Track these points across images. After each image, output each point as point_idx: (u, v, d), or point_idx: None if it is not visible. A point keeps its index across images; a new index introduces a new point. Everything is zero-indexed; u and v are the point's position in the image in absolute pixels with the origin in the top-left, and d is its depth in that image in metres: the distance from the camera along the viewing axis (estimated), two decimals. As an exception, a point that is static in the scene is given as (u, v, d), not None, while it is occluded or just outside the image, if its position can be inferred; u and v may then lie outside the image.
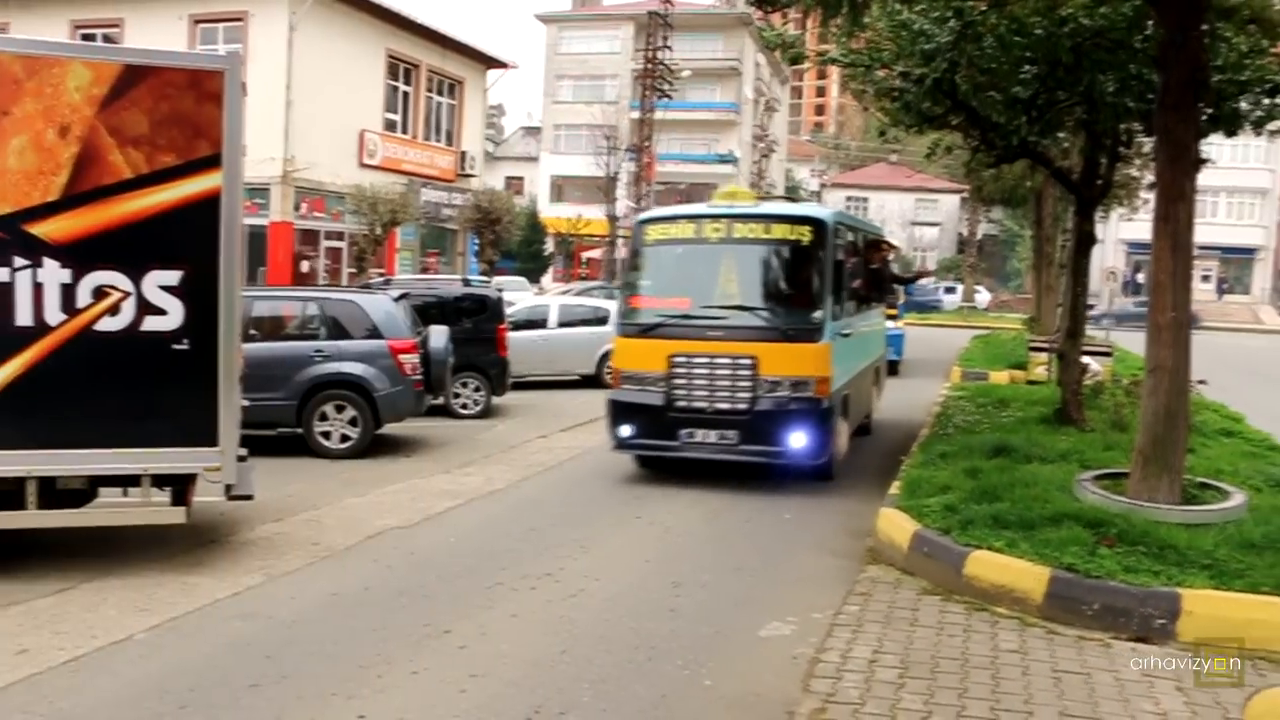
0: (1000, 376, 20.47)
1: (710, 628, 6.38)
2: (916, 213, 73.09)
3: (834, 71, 53.94)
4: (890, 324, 18.68)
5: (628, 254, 12.54)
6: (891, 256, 18.74)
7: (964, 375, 20.97)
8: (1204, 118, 9.73)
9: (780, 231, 10.60)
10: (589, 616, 6.57)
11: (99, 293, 7.01)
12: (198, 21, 27.43)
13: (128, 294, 7.05)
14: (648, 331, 10.48)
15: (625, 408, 10.55)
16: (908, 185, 68.76)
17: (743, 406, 10.05)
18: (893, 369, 20.05)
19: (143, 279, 7.07)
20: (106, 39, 26.59)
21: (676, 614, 6.65)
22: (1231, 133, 11.20)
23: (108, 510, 7.56)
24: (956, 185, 59.42)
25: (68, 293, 6.96)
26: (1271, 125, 11.49)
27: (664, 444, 10.39)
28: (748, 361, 10.01)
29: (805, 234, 10.46)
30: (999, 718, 5.10)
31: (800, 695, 5.37)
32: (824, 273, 10.29)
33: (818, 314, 10.15)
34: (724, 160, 59.38)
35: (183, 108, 7.15)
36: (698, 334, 10.22)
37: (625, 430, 10.56)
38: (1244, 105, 10.93)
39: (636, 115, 46.46)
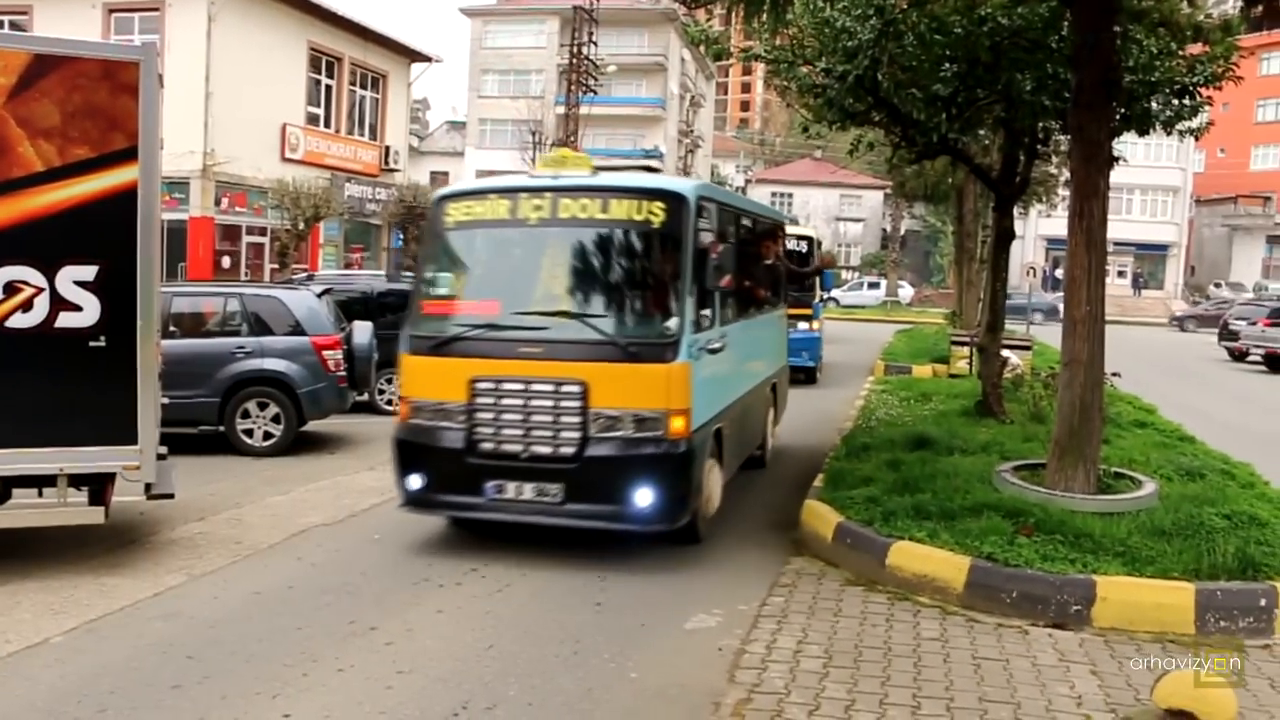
0: (923, 370, 20.79)
1: (636, 621, 6.41)
2: (841, 208, 73.85)
3: (758, 68, 54.12)
4: (803, 326, 17.98)
5: (422, 243, 10.36)
6: (801, 249, 18.42)
7: (887, 369, 21.25)
8: (1117, 117, 9.98)
9: (622, 210, 7.82)
10: (515, 611, 6.57)
11: (9, 288, 6.82)
12: (112, 11, 26.78)
13: (40, 290, 6.87)
14: (443, 347, 7.80)
15: (413, 450, 7.87)
16: (832, 181, 69.56)
17: (568, 451, 7.45)
18: (809, 377, 19.28)
19: (56, 274, 6.90)
20: (14, 26, 25.85)
21: (603, 608, 6.67)
22: (1143, 132, 11.48)
23: (22, 511, 7.37)
24: (880, 181, 60.28)
25: (-22, 289, 6.88)
26: (1181, 125, 11.81)
27: (464, 500, 7.77)
28: (575, 389, 7.37)
29: (657, 214, 7.78)
30: (921, 705, 5.20)
31: (726, 686, 5.43)
32: (682, 267, 7.63)
33: (672, 323, 7.50)
34: (649, 156, 59.43)
35: (96, 99, 6.99)
36: (509, 351, 7.60)
37: (414, 481, 7.86)
38: (1154, 105, 11.21)
39: (562, 110, 46.34)
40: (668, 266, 7.77)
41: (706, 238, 7.88)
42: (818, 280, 19.43)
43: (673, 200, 7.84)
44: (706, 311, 8.02)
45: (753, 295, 10.46)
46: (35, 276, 6.86)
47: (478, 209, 8.25)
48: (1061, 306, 8.68)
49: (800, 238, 19.31)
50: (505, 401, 7.54)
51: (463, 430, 7.63)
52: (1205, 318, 48.35)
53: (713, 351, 8.09)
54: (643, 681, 5.50)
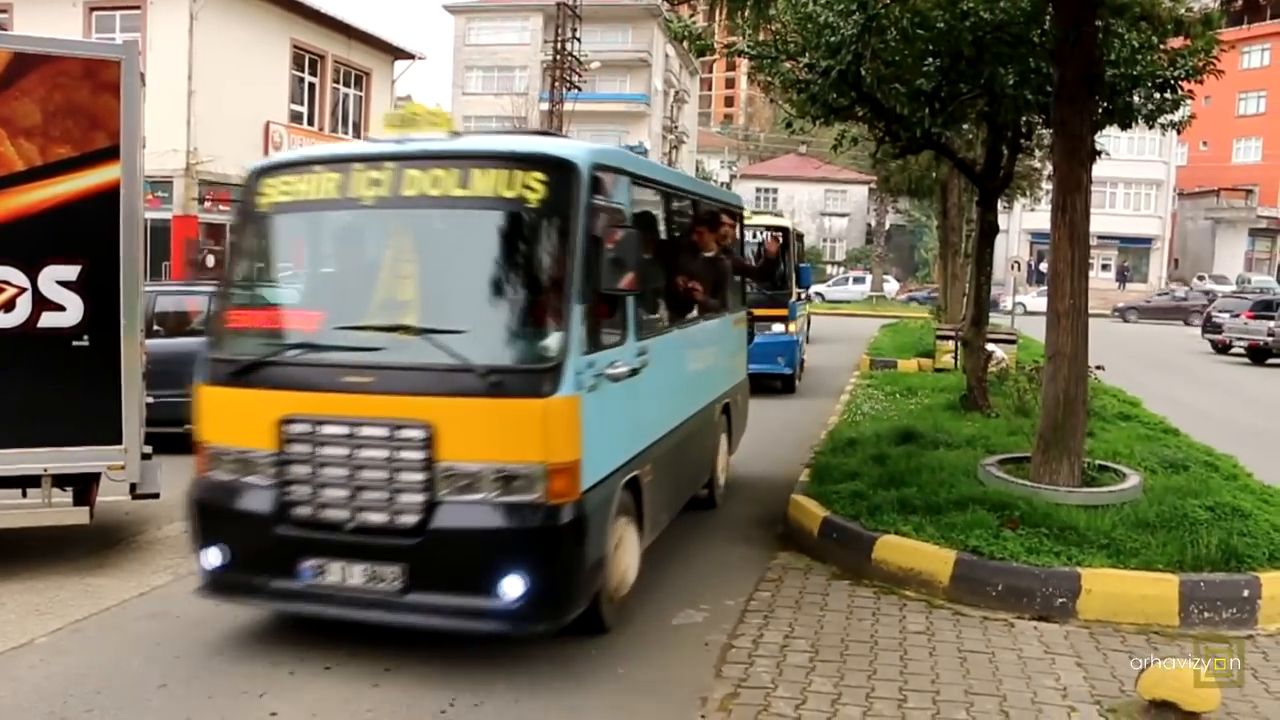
0: (908, 365, 20.84)
1: (623, 615, 6.41)
2: (826, 203, 74.02)
3: (742, 63, 54.37)
4: (777, 328, 16.16)
5: (231, 233, 7.99)
6: (775, 241, 16.07)
7: (873, 364, 21.29)
8: (1099, 111, 10.02)
9: (487, 184, 5.64)
10: (503, 609, 6.56)
11: (-7, 289, 6.92)
12: (93, 9, 26.63)
13: (23, 289, 6.85)
14: (246, 374, 5.72)
15: (211, 513, 5.79)
16: (816, 176, 69.75)
17: (408, 520, 5.33)
18: (786, 385, 17.24)
19: (39, 274, 6.87)
20: (-4, 26, 25.70)
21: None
22: (1125, 126, 11.52)
23: (6, 512, 7.34)
24: (864, 176, 60.39)
25: (-39, 289, 6.92)
26: (1163, 119, 11.85)
27: (275, 586, 5.59)
28: (417, 434, 5.27)
29: (534, 189, 5.57)
30: (907, 698, 5.22)
31: (713, 681, 5.44)
32: (569, 262, 5.48)
33: (551, 341, 5.37)
34: (634, 151, 59.41)
35: (78, 98, 6.97)
36: (331, 380, 5.49)
37: (212, 556, 5.72)
38: (1137, 99, 11.24)
39: (546, 107, 46.29)
40: (547, 262, 5.62)
41: (606, 222, 5.59)
42: (794, 277, 17.26)
43: (555, 170, 5.61)
44: (612, 323, 5.95)
45: (692, 298, 8.23)
46: (17, 276, 6.84)
47: (301, 186, 5.99)
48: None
49: (773, 229, 17.55)
50: (326, 451, 5.42)
51: (271, 489, 5.54)
52: (1147, 309, 48.72)
53: (620, 376, 5.86)
54: (630, 677, 5.51)
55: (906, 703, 5.16)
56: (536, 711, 5.05)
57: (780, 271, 16.31)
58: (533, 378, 5.27)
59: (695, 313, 8.31)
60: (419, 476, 5.27)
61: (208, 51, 26.30)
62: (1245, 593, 6.42)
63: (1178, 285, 56.96)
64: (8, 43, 7.14)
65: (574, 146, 6.01)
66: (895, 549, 7.12)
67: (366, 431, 5.34)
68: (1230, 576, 6.50)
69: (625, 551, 6.22)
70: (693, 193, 9.03)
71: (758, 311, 12.63)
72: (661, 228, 7.95)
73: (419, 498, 5.28)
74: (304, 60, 31.34)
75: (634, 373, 6.13)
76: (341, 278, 6.39)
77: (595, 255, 5.52)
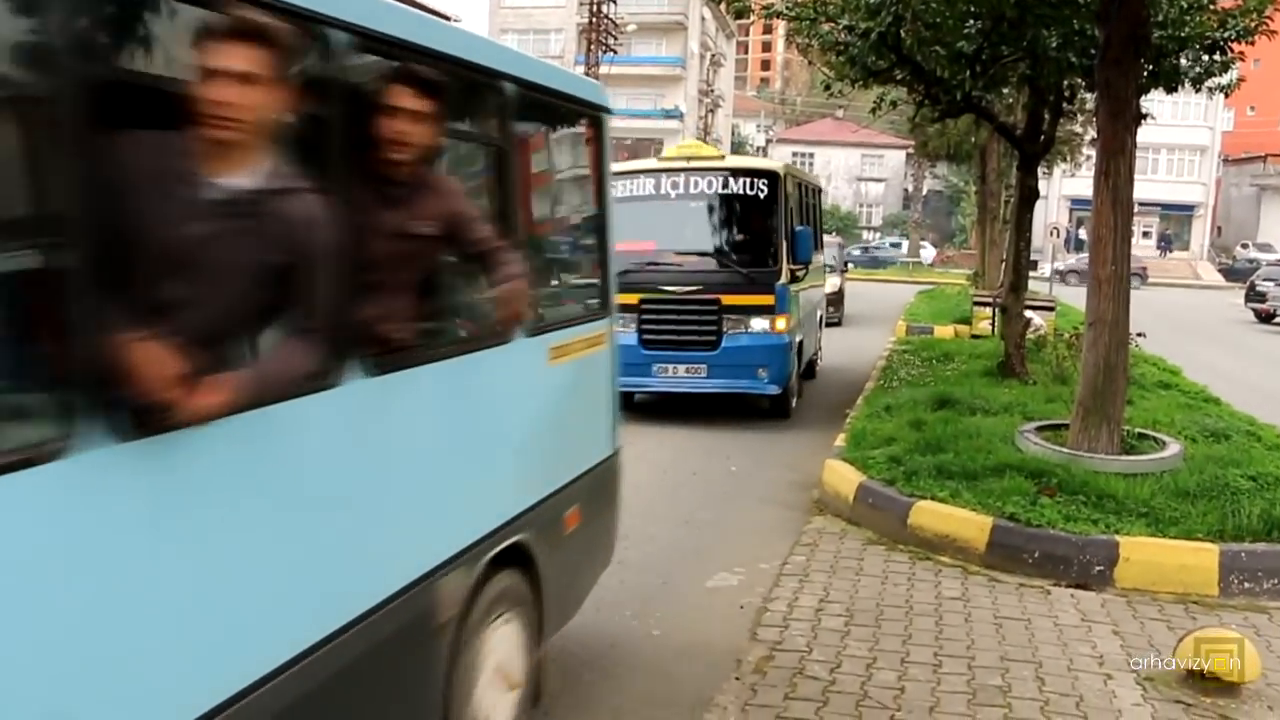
0: (945, 331, 20.70)
1: (658, 579, 6.44)
2: (863, 168, 73.50)
3: (779, 26, 53.74)
4: (758, 325, 11.19)
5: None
6: (754, 194, 11.61)
7: (909, 330, 21.15)
8: (1144, 74, 9.84)
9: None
10: (539, 570, 6.59)
11: None
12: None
13: None
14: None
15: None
16: (854, 141, 69.20)
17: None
18: (776, 408, 11.81)
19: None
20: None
21: (625, 565, 6.67)
22: (1171, 89, 11.31)
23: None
24: (902, 141, 59.82)
25: None
26: (1210, 82, 11.64)
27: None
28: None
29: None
30: (942, 663, 5.21)
31: (748, 644, 5.45)
32: None
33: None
34: (670, 116, 59.13)
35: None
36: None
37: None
38: (1184, 62, 11.05)
39: (582, 70, 46.08)
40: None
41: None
42: (783, 246, 11.43)
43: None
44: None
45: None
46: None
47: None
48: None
49: (753, 175, 11.78)
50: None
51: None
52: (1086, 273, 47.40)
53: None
54: (665, 639, 5.54)
55: (941, 668, 5.15)
56: (571, 671, 5.07)
57: (771, 239, 11.42)
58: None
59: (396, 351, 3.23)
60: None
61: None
62: (1287, 563, 6.35)
63: (1244, 251, 55.60)
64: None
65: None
66: (931, 514, 7.09)
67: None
68: (1272, 547, 6.42)
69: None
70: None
71: (729, 299, 11.03)
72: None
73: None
74: (340, 23, 31.32)
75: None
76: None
77: None
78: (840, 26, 10.94)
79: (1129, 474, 7.51)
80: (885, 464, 8.03)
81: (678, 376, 11.26)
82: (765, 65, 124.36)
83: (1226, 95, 12.49)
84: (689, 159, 12.08)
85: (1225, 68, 11.32)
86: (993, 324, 18.13)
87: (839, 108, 62.49)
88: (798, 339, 12.07)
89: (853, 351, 17.79)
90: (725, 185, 11.63)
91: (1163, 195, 59.03)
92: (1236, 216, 66.14)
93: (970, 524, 6.86)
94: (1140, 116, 8.43)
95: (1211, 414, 10.42)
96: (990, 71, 11.29)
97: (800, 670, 5.10)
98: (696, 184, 11.58)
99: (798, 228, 11.87)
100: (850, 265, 28.80)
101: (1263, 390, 14.78)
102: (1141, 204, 50.95)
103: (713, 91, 66.54)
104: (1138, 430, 8.71)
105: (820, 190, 17.10)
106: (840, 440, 9.36)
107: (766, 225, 11.54)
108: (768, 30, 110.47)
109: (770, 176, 11.66)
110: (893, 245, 59.53)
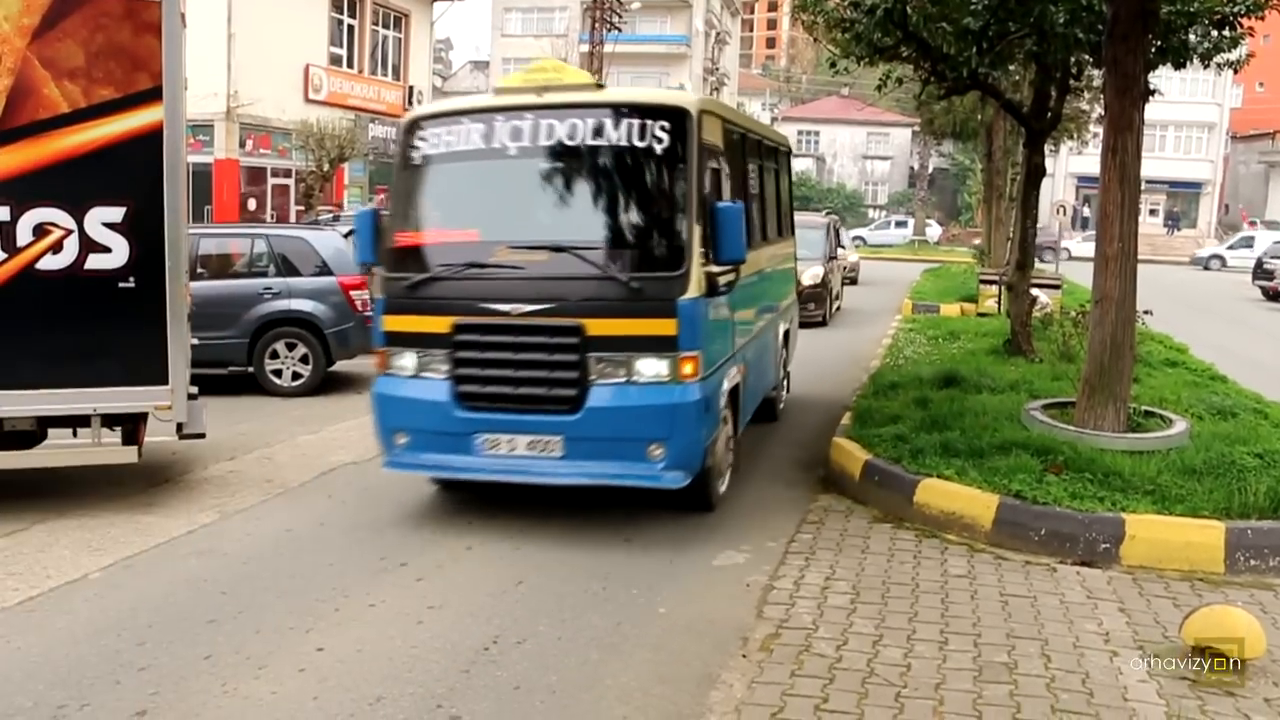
0: (951, 309, 20.66)
1: (664, 557, 6.45)
2: (868, 146, 73.16)
3: (784, 2, 53.41)
4: (647, 370, 6.71)
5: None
6: (646, 147, 6.96)
7: (915, 308, 21.11)
8: (1152, 50, 9.78)
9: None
10: (544, 548, 6.61)
11: (39, 230, 6.86)
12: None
13: (70, 231, 6.90)
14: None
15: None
16: (859, 119, 68.71)
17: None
18: (693, 499, 7.27)
19: (85, 216, 6.92)
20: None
21: (631, 544, 6.72)
22: (1180, 65, 11.25)
23: (58, 451, 7.47)
24: (908, 118, 59.52)
25: (7, 231, 6.80)
26: (1219, 58, 11.56)
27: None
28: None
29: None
30: (948, 640, 5.22)
31: (754, 621, 5.46)
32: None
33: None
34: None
35: (120, 39, 6.97)
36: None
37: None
38: (1192, 37, 10.97)
39: (586, 48, 45.86)
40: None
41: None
42: (694, 235, 6.72)
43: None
44: None
45: None
46: (64, 218, 6.90)
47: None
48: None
49: (645, 115, 6.94)
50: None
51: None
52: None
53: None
54: (671, 616, 5.55)
55: (947, 645, 5.16)
56: (578, 649, 5.09)
57: (672, 224, 6.88)
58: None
59: None
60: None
61: (246, -8, 25.94)
62: (1293, 540, 6.33)
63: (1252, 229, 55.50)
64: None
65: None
66: (937, 492, 7.09)
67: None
68: (1278, 524, 6.41)
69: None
70: None
71: (599, 326, 6.61)
72: None
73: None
74: (342, 2, 31.24)
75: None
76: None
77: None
78: (846, 3, 10.88)
79: (1135, 451, 7.50)
80: (891, 442, 8.02)
81: (515, 456, 6.77)
82: (770, 43, 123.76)
83: (1235, 71, 12.41)
84: (541, 89, 7.05)
85: (1234, 43, 11.24)
86: (999, 302, 18.12)
87: (844, 85, 62.24)
88: (726, 385, 7.35)
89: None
90: (599, 133, 6.87)
91: (1170, 173, 58.74)
92: (1244, 194, 65.88)
93: (976, 502, 6.86)
94: (1148, 93, 8.38)
95: (1218, 392, 10.40)
96: (997, 48, 11.21)
97: (807, 648, 5.11)
98: (551, 132, 6.89)
99: (722, 204, 6.93)
100: (843, 248, 24.27)
101: (1270, 368, 14.76)
102: (1148, 182, 51.04)
103: (717, 70, 66.20)
104: (1144, 408, 8.70)
105: (787, 151, 11.92)
106: (846, 419, 9.35)
107: (666, 201, 6.93)
108: (773, 7, 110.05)
109: (674, 119, 6.80)
110: (898, 224, 59.29)
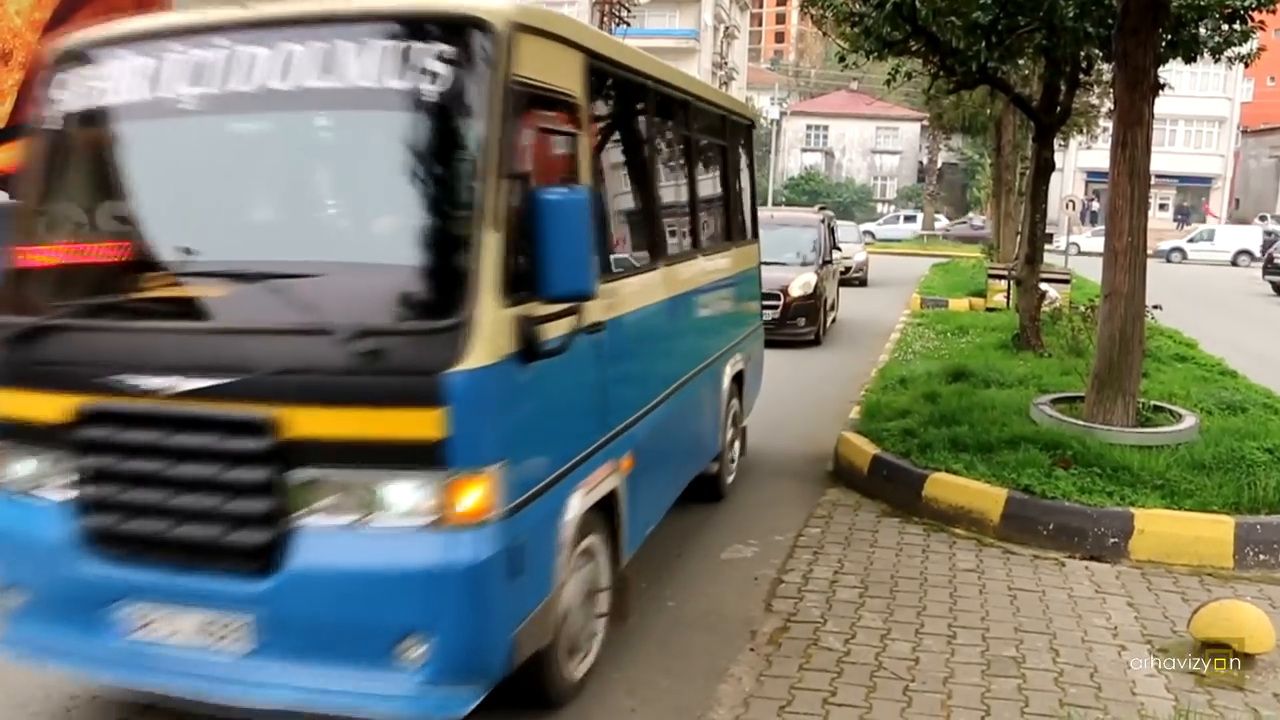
0: (960, 304, 20.63)
1: (672, 551, 6.46)
2: (877, 141, 73.04)
3: (795, -2, 53.34)
4: (390, 515, 3.63)
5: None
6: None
7: (923, 303, 21.09)
8: (1163, 44, 9.74)
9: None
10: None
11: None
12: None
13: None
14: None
15: None
16: (868, 113, 68.66)
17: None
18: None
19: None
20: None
21: (640, 538, 6.72)
22: (1190, 59, 11.18)
23: None
24: (917, 113, 59.50)
25: None
26: (1229, 52, 11.51)
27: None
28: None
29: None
30: (956, 635, 5.22)
31: (762, 614, 5.47)
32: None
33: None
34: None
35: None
36: None
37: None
38: (1203, 31, 10.92)
39: (595, 42, 45.79)
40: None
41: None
42: (488, 248, 3.60)
43: None
44: None
45: None
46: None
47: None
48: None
49: (407, 36, 3.80)
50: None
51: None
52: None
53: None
54: (680, 610, 5.56)
55: (956, 639, 5.16)
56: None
57: (456, 230, 3.67)
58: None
59: None
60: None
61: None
62: (1303, 535, 6.32)
63: (1262, 224, 55.45)
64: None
65: None
66: (946, 486, 7.09)
67: None
68: (1287, 519, 6.41)
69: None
70: None
71: (311, 422, 3.61)
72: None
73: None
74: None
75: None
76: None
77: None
78: (855, -3, 10.86)
79: (1144, 446, 7.49)
80: (900, 436, 8.03)
81: (177, 645, 3.79)
82: (779, 37, 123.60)
83: (1246, 65, 12.35)
84: None
85: (1245, 37, 11.18)
86: (1008, 297, 18.09)
87: (853, 80, 62.29)
88: (576, 507, 4.33)
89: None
90: (328, 68, 3.80)
91: (1180, 167, 58.58)
92: (1255, 188, 65.63)
93: (985, 496, 6.86)
94: (1158, 87, 8.35)
95: (1228, 387, 10.38)
96: (1006, 42, 11.18)
97: (815, 641, 5.12)
98: (250, 69, 3.88)
99: (551, 193, 3.84)
100: (839, 250, 19.78)
101: (1280, 363, 14.71)
102: (1158, 176, 50.70)
103: (726, 64, 66.18)
104: (1153, 403, 8.69)
105: (747, 125, 8.89)
106: (854, 413, 9.35)
107: (435, 187, 3.86)
108: (781, 2, 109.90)
109: (459, 39, 3.79)
110: (907, 219, 59.18)
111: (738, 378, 7.82)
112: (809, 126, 71.22)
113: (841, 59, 13.16)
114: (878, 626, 5.31)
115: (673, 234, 6.36)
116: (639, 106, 5.80)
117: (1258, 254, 42.80)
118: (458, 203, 3.67)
